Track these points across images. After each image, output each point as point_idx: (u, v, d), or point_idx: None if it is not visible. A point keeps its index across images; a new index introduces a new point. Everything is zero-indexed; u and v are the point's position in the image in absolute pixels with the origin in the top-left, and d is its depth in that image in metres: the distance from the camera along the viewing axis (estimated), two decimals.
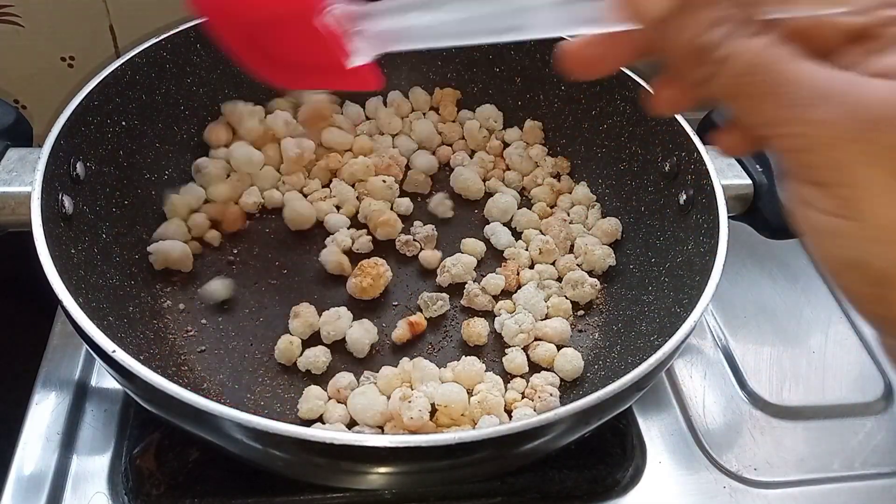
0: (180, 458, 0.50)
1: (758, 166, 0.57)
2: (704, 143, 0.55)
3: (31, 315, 0.59)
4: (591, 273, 0.60)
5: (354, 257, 0.59)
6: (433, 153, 0.68)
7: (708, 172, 0.53)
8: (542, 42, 0.65)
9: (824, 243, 0.23)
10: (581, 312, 0.59)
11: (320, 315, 0.55)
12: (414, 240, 0.61)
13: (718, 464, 0.54)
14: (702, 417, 0.57)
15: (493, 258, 0.61)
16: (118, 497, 0.49)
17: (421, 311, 0.57)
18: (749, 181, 0.55)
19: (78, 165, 0.51)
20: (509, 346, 0.55)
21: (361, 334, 0.53)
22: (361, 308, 0.57)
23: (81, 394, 0.54)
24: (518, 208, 0.64)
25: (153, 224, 0.59)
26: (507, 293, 0.59)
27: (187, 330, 0.54)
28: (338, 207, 0.63)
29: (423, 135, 0.68)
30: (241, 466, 0.49)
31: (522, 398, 0.52)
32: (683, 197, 0.56)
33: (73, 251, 0.49)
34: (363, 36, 0.35)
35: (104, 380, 0.55)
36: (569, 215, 0.64)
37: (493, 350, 0.55)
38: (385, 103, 0.70)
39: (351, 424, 0.49)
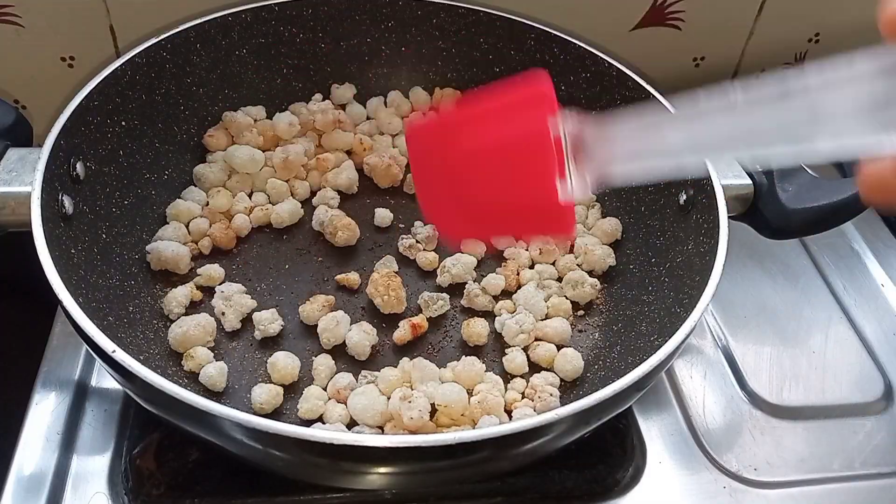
0: (180, 458, 0.50)
1: (758, 166, 0.57)
2: None
3: (31, 315, 0.59)
4: (591, 273, 0.60)
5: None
6: None
7: (708, 172, 0.53)
8: (543, 42, 0.66)
9: None
10: (581, 312, 0.59)
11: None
12: (416, 241, 0.61)
13: (718, 464, 0.54)
14: (702, 417, 0.57)
15: (493, 258, 0.61)
16: (118, 497, 0.49)
17: (422, 311, 0.57)
18: (749, 181, 0.55)
19: (78, 165, 0.51)
20: (509, 346, 0.55)
21: (361, 337, 0.53)
22: (361, 308, 0.57)
23: (81, 394, 0.54)
24: None
25: (153, 224, 0.59)
26: (506, 293, 0.59)
27: None
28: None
29: None
30: (241, 466, 0.49)
31: (522, 398, 0.52)
32: (683, 197, 0.56)
33: (73, 251, 0.49)
34: (594, 158, 0.31)
35: (104, 380, 0.55)
36: None
37: (493, 350, 0.55)
38: (385, 103, 0.70)
39: (351, 424, 0.49)
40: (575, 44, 0.64)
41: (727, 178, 0.54)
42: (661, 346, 0.43)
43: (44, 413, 0.52)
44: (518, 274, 0.59)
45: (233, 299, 0.55)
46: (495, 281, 0.58)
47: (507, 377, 0.54)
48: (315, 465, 0.42)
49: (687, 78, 0.85)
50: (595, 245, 0.60)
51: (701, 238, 0.52)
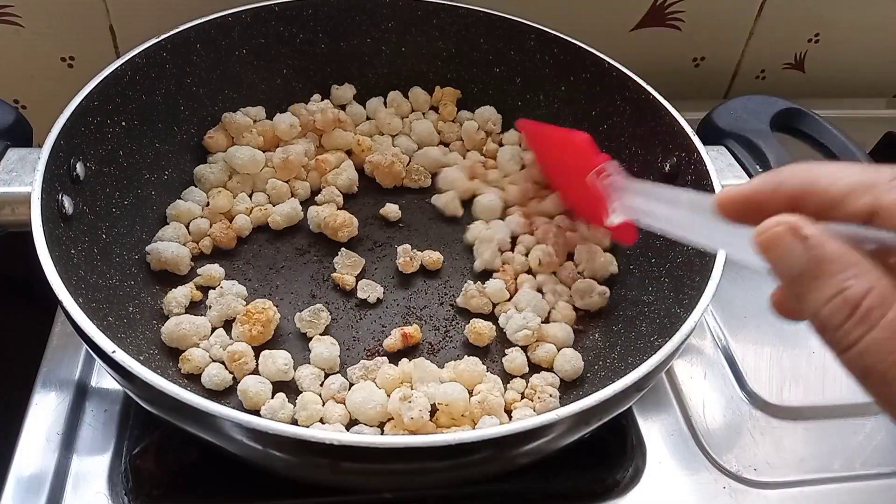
0: (180, 458, 0.50)
1: (758, 167, 0.57)
2: (704, 143, 0.55)
3: (31, 315, 0.59)
4: (593, 279, 0.59)
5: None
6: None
7: (708, 173, 0.53)
8: (543, 43, 0.66)
9: None
10: (581, 313, 0.59)
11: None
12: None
13: (718, 464, 0.54)
14: (702, 417, 0.57)
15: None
16: (118, 497, 0.49)
17: (419, 321, 0.56)
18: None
19: (78, 165, 0.51)
20: (510, 346, 0.55)
21: (325, 349, 0.52)
22: (358, 306, 0.57)
23: (81, 394, 0.54)
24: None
25: (153, 224, 0.59)
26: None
27: None
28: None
29: (423, 135, 0.68)
30: (241, 467, 0.49)
31: (522, 398, 0.52)
32: None
33: (73, 251, 0.49)
34: (621, 203, 0.44)
35: (104, 380, 0.55)
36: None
37: (493, 350, 0.55)
38: (385, 103, 0.70)
39: (350, 425, 0.49)
40: (575, 44, 0.64)
41: (727, 178, 0.54)
42: (661, 347, 0.43)
43: (44, 413, 0.52)
44: (516, 279, 0.59)
45: (224, 298, 0.54)
46: (493, 284, 0.58)
47: (506, 377, 0.54)
48: (315, 465, 0.41)
49: (687, 78, 0.85)
50: (597, 252, 0.60)
51: None
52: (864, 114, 0.87)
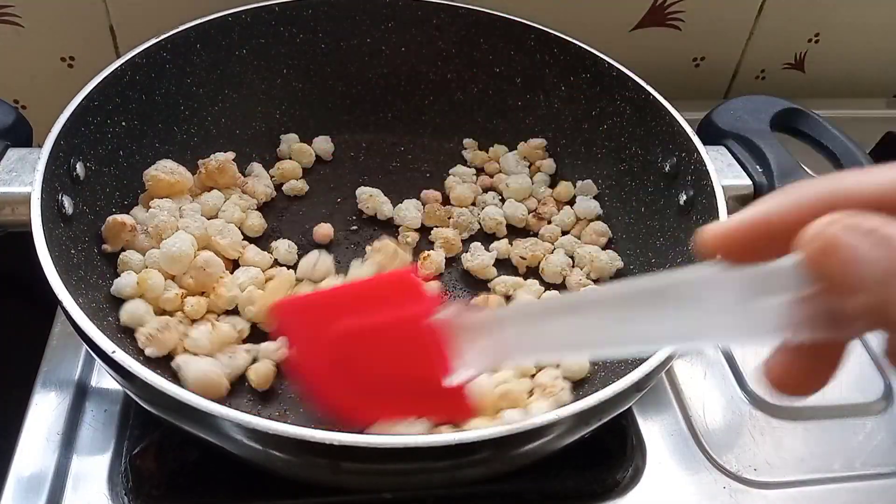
0: (180, 458, 0.50)
1: (758, 167, 0.57)
2: (705, 143, 0.55)
3: (31, 315, 0.59)
4: (598, 281, 0.59)
5: None
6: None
7: (708, 173, 0.53)
8: (543, 42, 0.66)
9: None
10: None
11: None
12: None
13: (718, 464, 0.54)
14: (702, 418, 0.57)
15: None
16: (118, 497, 0.49)
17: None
18: (749, 181, 0.55)
19: (78, 165, 0.51)
20: None
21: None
22: None
23: (81, 394, 0.54)
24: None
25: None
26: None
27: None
28: None
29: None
30: (242, 467, 0.49)
31: (530, 395, 0.52)
32: (683, 197, 0.56)
33: (73, 251, 0.49)
34: (477, 347, 0.31)
35: (104, 380, 0.55)
36: (550, 222, 0.64)
37: None
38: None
39: None
40: (575, 44, 0.64)
41: (727, 178, 0.54)
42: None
43: (44, 413, 0.52)
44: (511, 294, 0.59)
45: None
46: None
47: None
48: (315, 465, 0.41)
49: (687, 78, 0.85)
50: (597, 251, 0.60)
51: None
52: (864, 114, 0.87)
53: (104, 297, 0.50)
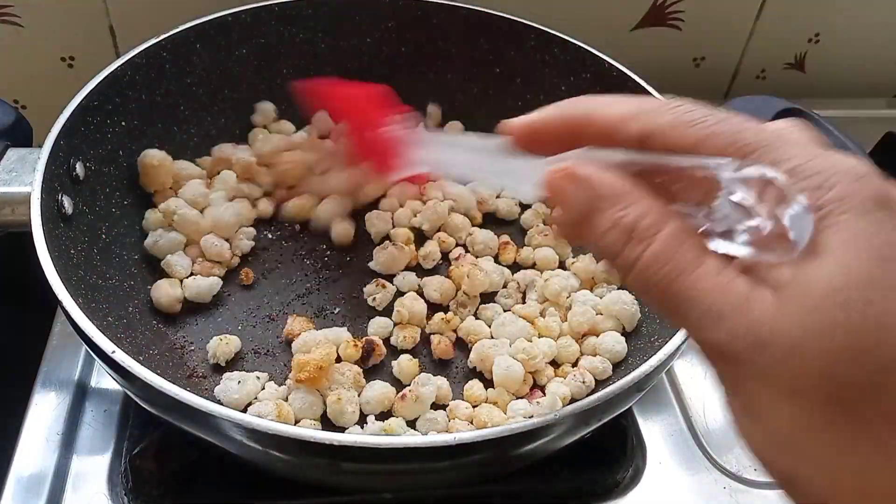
0: (180, 458, 0.50)
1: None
2: None
3: (31, 315, 0.59)
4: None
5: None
6: None
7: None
8: (543, 42, 0.66)
9: (742, 433, 0.27)
10: None
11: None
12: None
13: (718, 464, 0.54)
14: (702, 418, 0.57)
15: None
16: (118, 497, 0.49)
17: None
18: None
19: (78, 165, 0.51)
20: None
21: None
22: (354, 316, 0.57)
23: (81, 394, 0.54)
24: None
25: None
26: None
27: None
28: None
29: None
30: (241, 467, 0.49)
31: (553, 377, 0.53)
32: None
33: (73, 251, 0.49)
34: (412, 156, 0.41)
35: (104, 380, 0.55)
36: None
37: None
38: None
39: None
40: (575, 44, 0.64)
41: None
42: (661, 347, 0.43)
43: (44, 413, 0.52)
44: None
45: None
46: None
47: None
48: (315, 465, 0.41)
49: (687, 78, 0.85)
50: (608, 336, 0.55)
51: None
52: (864, 114, 0.87)
53: (104, 297, 0.50)
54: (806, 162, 0.24)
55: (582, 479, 0.52)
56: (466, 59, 0.69)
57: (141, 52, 0.57)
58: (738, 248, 0.24)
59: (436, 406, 0.50)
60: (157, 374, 0.39)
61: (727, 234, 0.24)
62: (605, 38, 0.71)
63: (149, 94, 0.59)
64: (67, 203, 0.49)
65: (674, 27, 0.80)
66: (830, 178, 0.23)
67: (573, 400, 0.49)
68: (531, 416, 0.47)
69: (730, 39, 0.83)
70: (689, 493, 0.53)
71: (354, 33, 0.68)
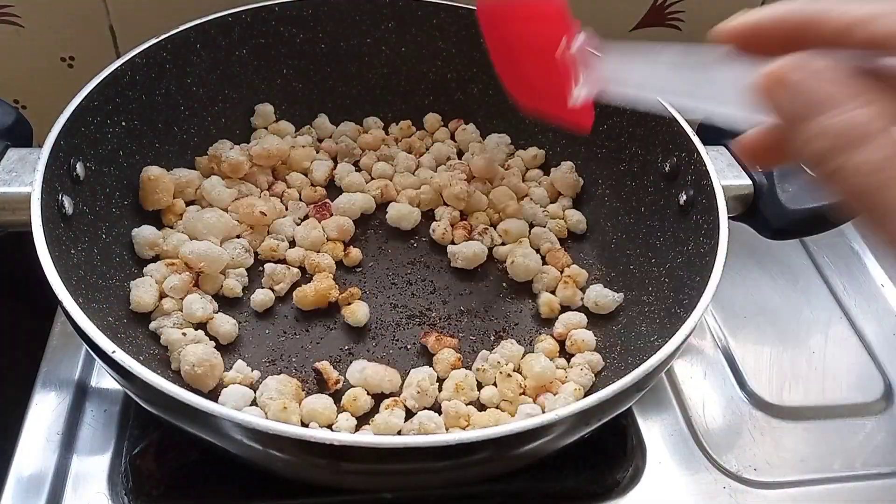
0: (180, 458, 0.50)
1: (758, 167, 0.57)
2: (705, 143, 0.55)
3: (31, 315, 0.59)
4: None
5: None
6: None
7: (708, 173, 0.53)
8: None
9: None
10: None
11: None
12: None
13: (718, 464, 0.54)
14: (702, 418, 0.57)
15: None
16: (118, 497, 0.49)
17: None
18: (749, 181, 0.55)
19: (78, 165, 0.51)
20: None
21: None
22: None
23: (81, 394, 0.54)
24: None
25: (153, 225, 0.59)
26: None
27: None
28: None
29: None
30: (241, 467, 0.49)
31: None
32: (683, 197, 0.56)
33: (73, 251, 0.49)
34: (589, 74, 0.39)
35: (104, 380, 0.55)
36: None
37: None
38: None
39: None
40: None
41: (727, 178, 0.54)
42: (661, 347, 0.43)
43: (44, 413, 0.52)
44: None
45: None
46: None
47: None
48: (315, 465, 0.42)
49: None
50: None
51: (701, 238, 0.52)
52: None
53: (104, 296, 0.50)
54: None
55: (582, 479, 0.52)
56: (466, 59, 0.69)
57: (141, 52, 0.57)
58: None
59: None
60: (158, 373, 0.39)
61: None
62: (605, 38, 0.71)
63: (149, 94, 0.59)
64: (67, 203, 0.49)
65: (674, 27, 0.80)
66: None
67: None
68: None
69: None
70: (688, 492, 0.53)
71: (354, 33, 0.68)
